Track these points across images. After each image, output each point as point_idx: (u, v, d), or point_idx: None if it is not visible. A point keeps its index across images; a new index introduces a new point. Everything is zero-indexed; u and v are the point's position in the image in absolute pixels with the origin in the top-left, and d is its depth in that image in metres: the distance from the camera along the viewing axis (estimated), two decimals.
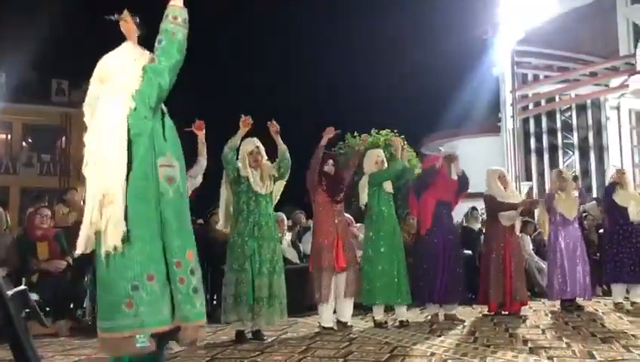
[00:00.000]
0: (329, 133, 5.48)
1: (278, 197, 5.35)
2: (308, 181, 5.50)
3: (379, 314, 5.61)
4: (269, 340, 4.81)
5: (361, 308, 6.05)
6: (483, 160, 6.51)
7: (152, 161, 2.51)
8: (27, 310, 1.50)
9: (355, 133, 12.82)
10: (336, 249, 5.33)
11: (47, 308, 5.50)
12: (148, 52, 2.65)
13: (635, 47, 15.20)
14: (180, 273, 2.46)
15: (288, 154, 5.19)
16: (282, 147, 5.17)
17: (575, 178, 6.89)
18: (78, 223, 7.16)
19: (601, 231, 7.97)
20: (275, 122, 5.18)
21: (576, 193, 6.63)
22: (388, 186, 5.74)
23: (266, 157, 5.12)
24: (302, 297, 5.61)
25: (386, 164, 5.87)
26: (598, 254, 7.91)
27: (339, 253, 5.33)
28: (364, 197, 5.75)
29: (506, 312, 6.09)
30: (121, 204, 2.41)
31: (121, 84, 2.54)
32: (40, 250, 5.66)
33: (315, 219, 5.61)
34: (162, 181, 2.50)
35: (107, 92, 2.57)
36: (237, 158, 4.99)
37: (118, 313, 2.40)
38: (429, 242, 5.85)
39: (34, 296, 5.25)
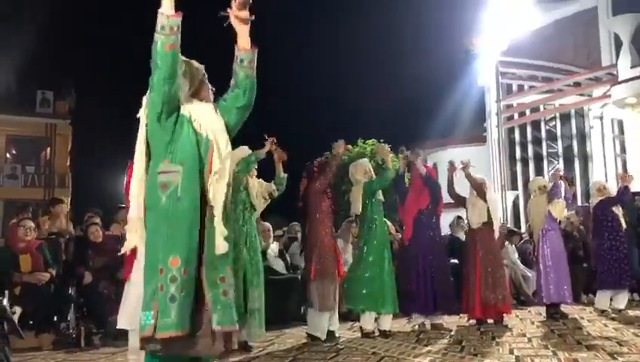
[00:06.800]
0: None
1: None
2: (317, 188, 5.40)
3: (368, 323, 5.48)
4: (255, 352, 4.77)
5: (347, 318, 6.02)
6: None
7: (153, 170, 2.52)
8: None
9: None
10: (338, 258, 5.42)
11: (31, 321, 5.41)
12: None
13: (617, 57, 15.42)
14: (161, 280, 2.39)
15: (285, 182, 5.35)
16: (283, 174, 5.36)
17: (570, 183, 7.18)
18: (58, 234, 7.11)
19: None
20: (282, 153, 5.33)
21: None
22: (380, 195, 5.77)
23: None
24: (288, 308, 5.57)
25: (373, 174, 5.87)
26: (585, 263, 8.01)
27: (339, 262, 5.43)
28: (357, 207, 5.73)
29: (491, 321, 6.10)
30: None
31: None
32: (22, 262, 5.58)
33: (317, 227, 5.39)
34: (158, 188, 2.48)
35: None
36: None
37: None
38: (409, 252, 5.92)
39: (17, 309, 5.18)
